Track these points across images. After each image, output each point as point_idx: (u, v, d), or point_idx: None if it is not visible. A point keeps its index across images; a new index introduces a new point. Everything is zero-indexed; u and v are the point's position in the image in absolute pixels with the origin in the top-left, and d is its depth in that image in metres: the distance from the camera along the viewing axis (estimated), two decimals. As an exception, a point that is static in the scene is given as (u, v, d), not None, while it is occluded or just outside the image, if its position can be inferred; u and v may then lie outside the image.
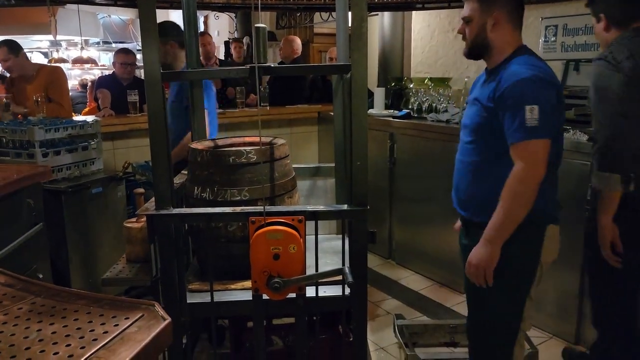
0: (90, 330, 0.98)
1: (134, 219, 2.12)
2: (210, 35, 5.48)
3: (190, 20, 2.49)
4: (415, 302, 3.36)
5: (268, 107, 4.55)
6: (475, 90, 1.93)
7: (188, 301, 1.96)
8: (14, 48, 3.88)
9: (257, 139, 2.10)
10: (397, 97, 4.38)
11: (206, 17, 9.27)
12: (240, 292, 2.00)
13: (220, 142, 2.30)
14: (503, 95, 1.70)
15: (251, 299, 1.89)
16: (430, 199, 3.67)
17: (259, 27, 2.01)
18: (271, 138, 2.26)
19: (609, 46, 2.08)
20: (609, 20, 2.10)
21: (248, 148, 2.01)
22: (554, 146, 1.73)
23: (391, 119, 3.99)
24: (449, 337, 2.83)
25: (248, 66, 2.04)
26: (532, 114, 1.62)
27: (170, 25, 2.91)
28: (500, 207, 1.72)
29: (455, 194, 2.02)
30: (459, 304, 3.36)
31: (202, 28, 9.20)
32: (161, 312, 1.05)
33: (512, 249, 1.77)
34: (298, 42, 5.46)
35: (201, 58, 5.09)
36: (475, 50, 1.87)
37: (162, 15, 3.06)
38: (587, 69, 3.09)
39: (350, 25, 1.89)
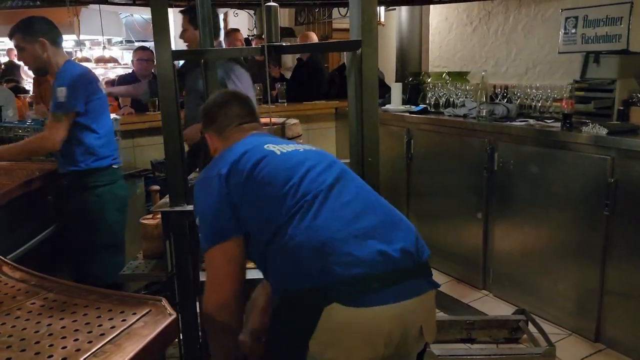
0: (99, 325, 1.00)
1: (149, 216, 2.16)
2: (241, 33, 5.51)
3: (205, 18, 2.51)
4: (432, 298, 3.34)
5: (286, 104, 4.58)
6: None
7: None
8: None
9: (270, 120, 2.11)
10: (414, 92, 4.35)
11: (225, 14, 9.32)
12: (253, 271, 1.95)
13: None
14: None
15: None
16: (447, 195, 3.64)
17: (270, 6, 2.00)
18: (284, 119, 2.27)
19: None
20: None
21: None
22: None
23: (408, 114, 3.97)
24: (466, 333, 2.81)
25: (260, 45, 2.04)
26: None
27: (37, 20, 2.55)
28: None
29: None
30: (476, 300, 3.34)
31: (222, 25, 9.25)
32: (168, 307, 1.08)
33: None
34: (314, 38, 5.45)
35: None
36: None
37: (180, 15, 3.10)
38: (607, 61, 3.02)
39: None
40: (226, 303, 1.38)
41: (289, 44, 1.94)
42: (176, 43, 3.57)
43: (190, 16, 2.90)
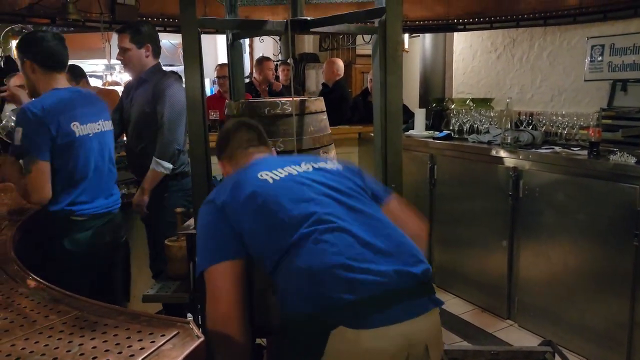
0: (128, 346, 1.02)
1: (174, 238, 2.19)
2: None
3: (235, 44, 2.57)
4: (455, 327, 3.29)
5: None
6: None
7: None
8: (75, 75, 3.99)
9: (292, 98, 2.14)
10: (438, 117, 4.36)
11: (251, 40, 9.50)
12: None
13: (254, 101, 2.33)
14: None
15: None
16: (471, 221, 3.61)
17: None
18: (307, 97, 2.30)
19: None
20: (153, 50, 2.89)
21: (283, 99, 2.05)
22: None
23: (431, 139, 3.97)
24: (490, 364, 2.75)
25: (284, 20, 2.06)
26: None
27: (31, 37, 2.23)
28: None
29: None
30: (501, 330, 3.27)
31: (247, 51, 9.43)
32: (196, 330, 1.09)
33: None
34: (340, 64, 5.55)
35: (255, 77, 5.27)
36: None
37: (208, 41, 3.15)
38: (635, 89, 3.00)
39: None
40: (226, 312, 1.37)
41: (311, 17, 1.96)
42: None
43: (131, 35, 2.78)
